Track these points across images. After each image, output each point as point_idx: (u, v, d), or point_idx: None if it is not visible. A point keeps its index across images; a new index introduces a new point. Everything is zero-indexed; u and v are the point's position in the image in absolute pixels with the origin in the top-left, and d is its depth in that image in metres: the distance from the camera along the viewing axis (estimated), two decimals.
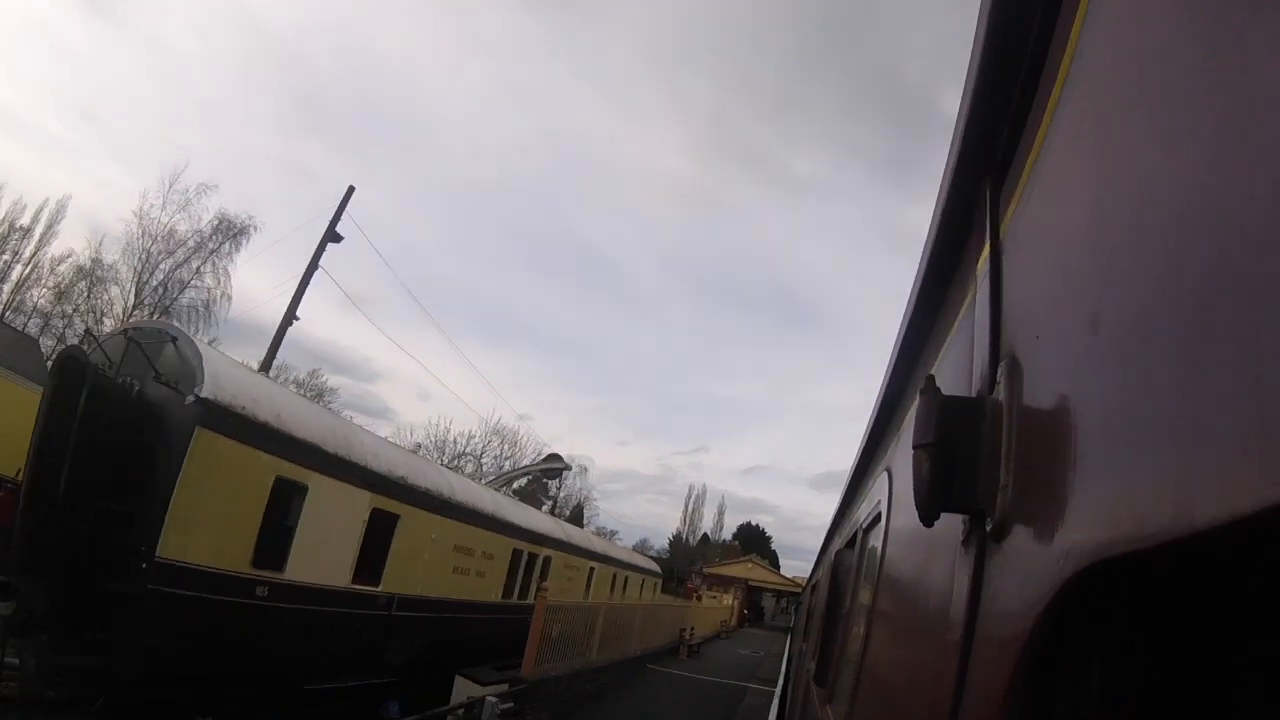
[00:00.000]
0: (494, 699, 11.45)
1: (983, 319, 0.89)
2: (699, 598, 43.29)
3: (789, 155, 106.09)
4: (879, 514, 1.91)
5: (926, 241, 1.22)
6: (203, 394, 7.91)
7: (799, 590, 33.86)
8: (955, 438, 0.77)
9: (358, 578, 10.62)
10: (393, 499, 11.31)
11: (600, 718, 13.52)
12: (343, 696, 10.57)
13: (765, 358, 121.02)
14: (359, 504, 10.62)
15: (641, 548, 70.62)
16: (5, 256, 27.55)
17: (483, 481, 19.92)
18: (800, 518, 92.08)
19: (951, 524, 0.89)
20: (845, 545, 3.57)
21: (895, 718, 1.17)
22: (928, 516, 0.83)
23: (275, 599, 8.98)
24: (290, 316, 17.54)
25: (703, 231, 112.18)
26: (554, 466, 20.26)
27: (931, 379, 0.84)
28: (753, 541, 68.02)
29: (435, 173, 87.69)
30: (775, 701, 15.62)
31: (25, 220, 28.07)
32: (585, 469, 60.22)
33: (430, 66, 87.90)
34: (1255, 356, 0.33)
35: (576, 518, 59.28)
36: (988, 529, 0.73)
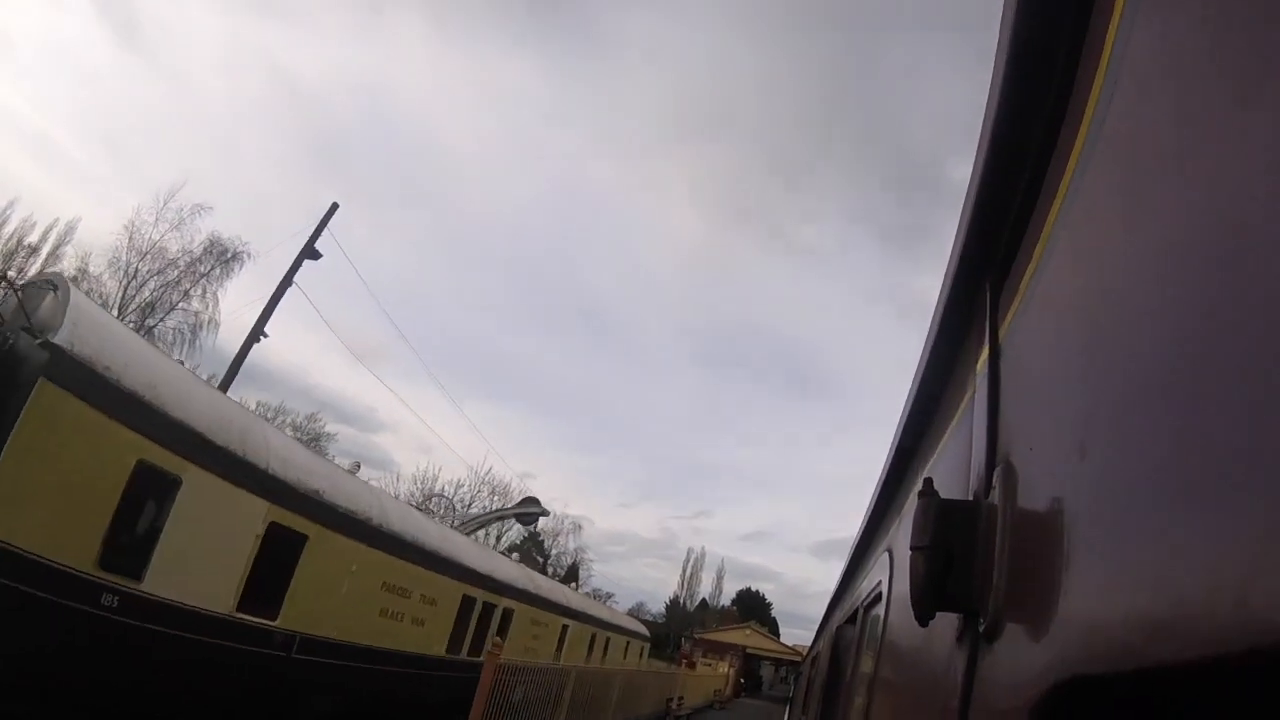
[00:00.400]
0: None
1: (980, 421, 0.91)
2: (692, 665, 40.29)
3: (797, 223, 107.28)
4: (879, 594, 1.95)
5: (928, 336, 1.21)
6: (55, 340, 6.08)
7: (799, 659, 31.13)
8: (951, 540, 0.79)
9: (246, 606, 8.42)
10: (299, 514, 9.19)
11: None
12: None
13: (769, 424, 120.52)
14: (251, 513, 8.50)
15: (637, 611, 70.05)
16: (11, 273, 26.15)
17: (453, 524, 17.73)
18: (802, 585, 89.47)
19: (948, 617, 0.89)
20: (846, 620, 3.62)
21: None
22: (922, 616, 0.84)
23: (128, 614, 6.83)
24: (258, 332, 16.10)
25: (711, 297, 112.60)
26: (529, 511, 18.13)
27: (929, 482, 0.85)
28: (752, 608, 64.87)
29: (446, 227, 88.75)
30: None
31: (34, 238, 27.40)
32: (579, 526, 59.25)
33: (444, 121, 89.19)
34: (1236, 489, 0.34)
35: (571, 578, 58.30)
36: (980, 629, 0.74)
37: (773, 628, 59.95)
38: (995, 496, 0.76)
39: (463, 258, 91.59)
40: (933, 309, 1.22)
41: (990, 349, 0.92)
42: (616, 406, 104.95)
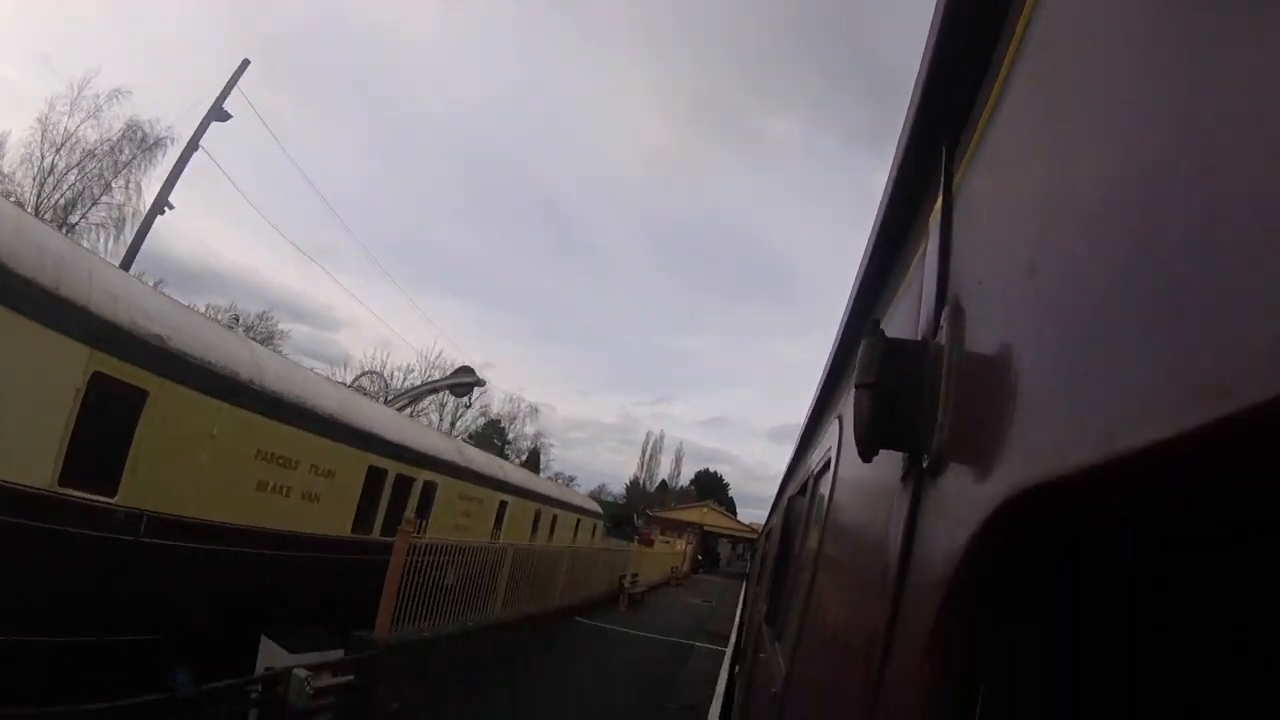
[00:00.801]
0: (304, 671, 7.36)
1: (932, 267, 0.92)
2: (650, 543, 40.15)
3: (763, 117, 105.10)
4: (829, 460, 2.00)
5: (884, 196, 1.22)
6: None
7: (755, 537, 30.85)
8: (897, 378, 0.79)
9: (71, 479, 6.41)
10: (134, 365, 6.94)
11: (485, 696, 9.52)
12: (85, 658, 6.64)
13: (730, 315, 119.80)
14: (67, 362, 6.29)
15: (598, 493, 70.05)
16: None
17: (384, 401, 15.60)
18: (759, 468, 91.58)
19: (893, 466, 0.94)
20: (798, 491, 3.70)
21: (835, 648, 1.22)
22: (866, 452, 0.86)
23: None
24: (162, 203, 14.92)
25: (675, 189, 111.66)
26: (463, 381, 16.10)
27: (876, 322, 0.86)
28: (710, 488, 65.63)
29: (404, 129, 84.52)
30: (726, 666, 11.95)
31: None
32: (536, 410, 59.19)
33: (400, 16, 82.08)
34: (1176, 305, 0.35)
35: (532, 463, 58.15)
36: (924, 466, 0.76)
37: (730, 507, 60.79)
38: (943, 336, 0.77)
39: (424, 161, 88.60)
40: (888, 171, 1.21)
41: (944, 199, 0.91)
42: (580, 301, 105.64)
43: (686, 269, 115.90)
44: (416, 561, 9.07)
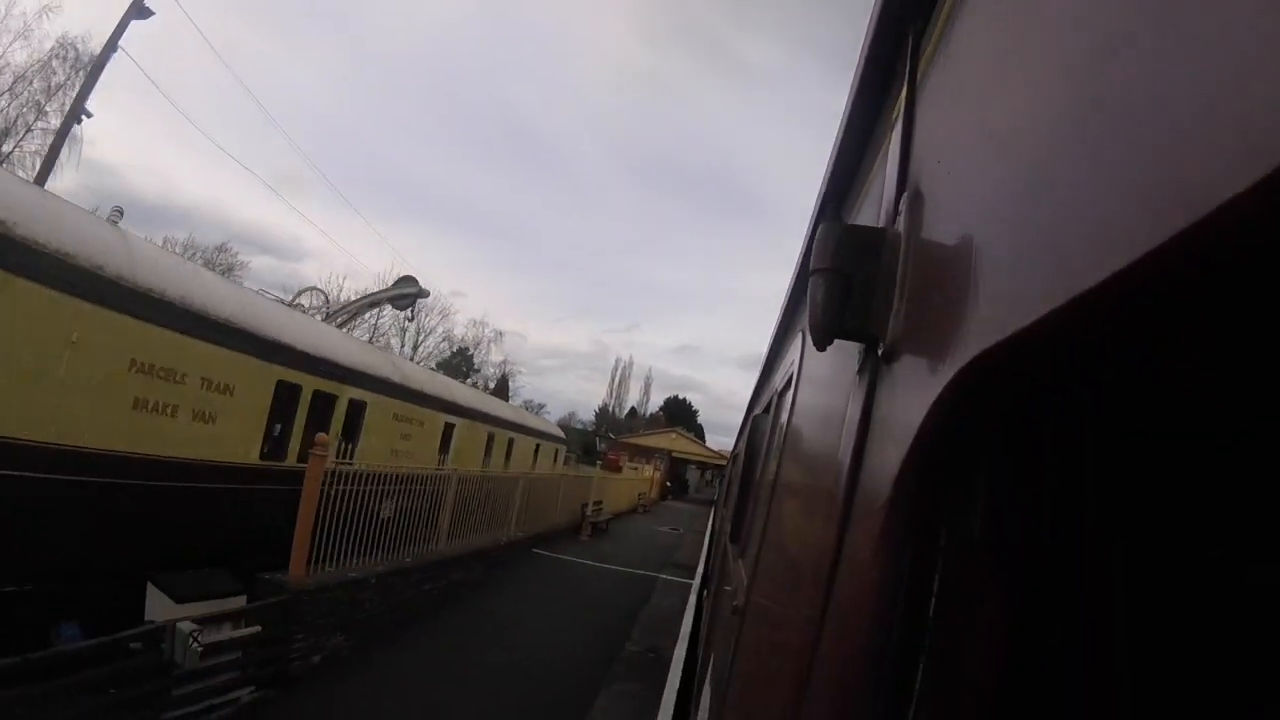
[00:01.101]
0: (191, 625, 6.02)
1: (894, 156, 0.91)
2: (618, 468, 39.45)
3: (740, 38, 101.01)
4: (791, 375, 2.02)
5: (850, 94, 1.17)
6: None
7: (724, 463, 30.14)
8: (853, 265, 0.79)
9: None
10: None
11: (424, 641, 8.32)
12: None
13: (705, 241, 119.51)
14: None
15: (569, 420, 70.02)
16: None
17: (321, 315, 13.79)
18: (728, 396, 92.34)
19: (850, 364, 0.94)
20: (762, 410, 3.85)
21: (793, 549, 1.22)
22: (821, 340, 0.84)
23: None
24: (79, 110, 13.82)
25: (650, 114, 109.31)
26: (405, 292, 14.35)
27: (836, 207, 0.93)
28: (679, 415, 65.14)
29: (366, 51, 77.10)
30: (692, 604, 10.95)
31: None
32: (500, 334, 57.88)
33: None
34: (1122, 158, 0.36)
35: (501, 390, 58.18)
36: (879, 353, 0.76)
37: (699, 434, 60.51)
38: (901, 223, 0.76)
39: (392, 83, 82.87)
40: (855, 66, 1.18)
41: (908, 88, 0.88)
42: (551, 229, 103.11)
43: (662, 197, 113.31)
44: (341, 491, 7.68)
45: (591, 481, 19.30)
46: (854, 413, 0.83)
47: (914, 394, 0.60)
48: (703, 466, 58.52)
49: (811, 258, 0.83)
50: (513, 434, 17.79)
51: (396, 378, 11.56)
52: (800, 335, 1.91)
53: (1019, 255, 0.45)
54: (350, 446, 9.34)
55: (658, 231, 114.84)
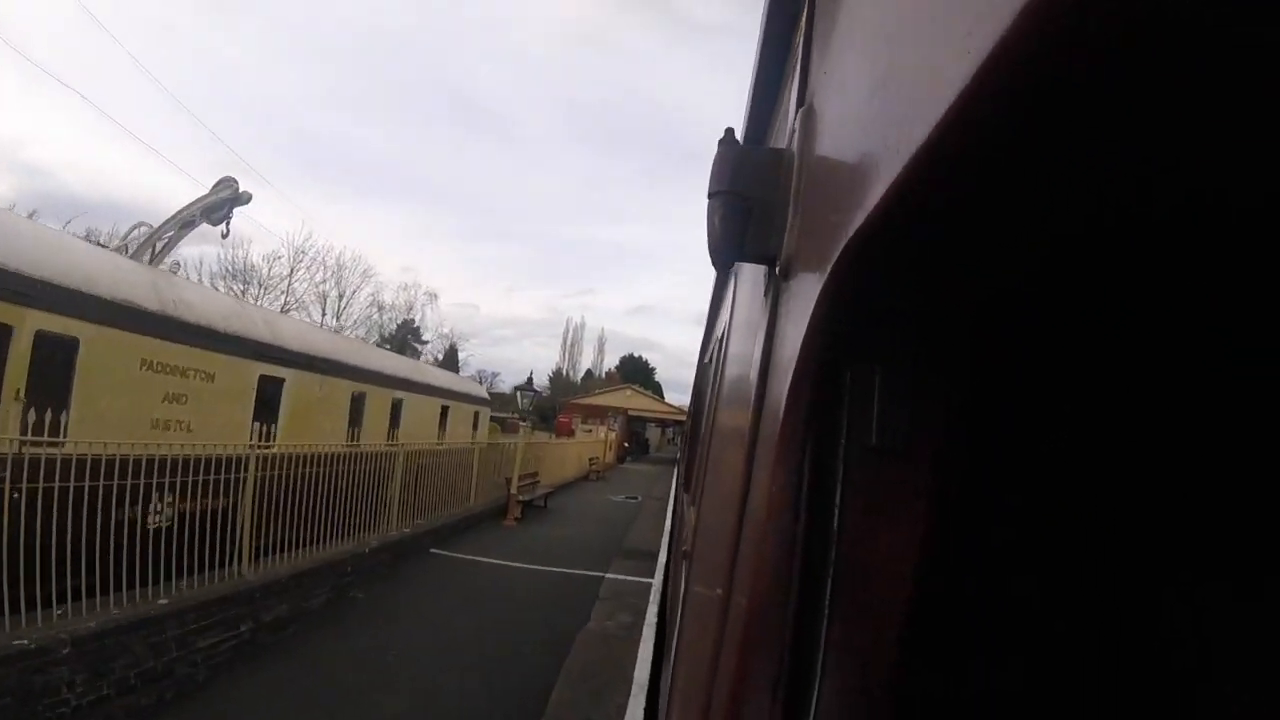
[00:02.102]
0: None
1: (796, 76, 0.90)
2: (570, 432, 35.38)
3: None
4: (726, 318, 2.06)
5: (762, 18, 1.16)
6: None
7: (685, 419, 26.42)
8: (752, 186, 0.78)
9: None
10: None
11: None
12: None
13: (652, 201, 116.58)
14: None
15: (526, 386, 65.86)
16: None
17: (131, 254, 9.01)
18: (687, 354, 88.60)
19: (758, 281, 0.97)
20: (706, 361, 3.74)
21: (721, 478, 1.22)
22: (719, 263, 0.85)
23: None
24: None
25: (594, 72, 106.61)
26: (219, 197, 9.76)
27: (730, 130, 0.85)
28: (636, 374, 61.19)
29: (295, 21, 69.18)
30: (652, 620, 7.18)
31: None
32: (435, 296, 54.45)
33: None
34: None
35: (450, 361, 55.44)
36: (777, 271, 0.76)
37: (659, 392, 56.77)
38: (796, 140, 0.75)
39: (328, 56, 75.26)
40: None
41: (809, 9, 0.86)
42: (497, 198, 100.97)
43: (611, 158, 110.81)
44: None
45: (524, 451, 15.10)
46: (761, 334, 0.83)
47: (802, 305, 0.60)
48: (663, 424, 55.02)
49: (709, 181, 0.81)
50: (401, 393, 13.41)
51: (150, 304, 7.07)
52: (731, 280, 1.90)
53: (891, 161, 0.42)
54: (54, 414, 5.02)
55: (607, 194, 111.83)
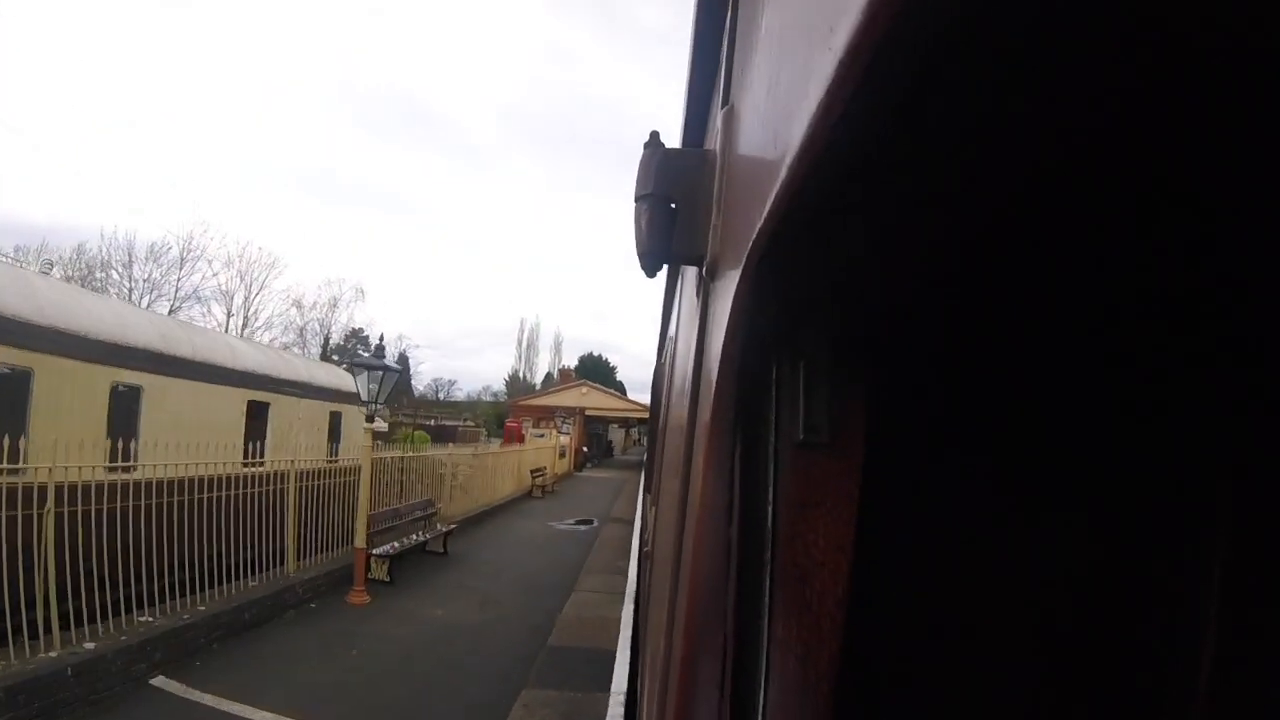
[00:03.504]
0: None
1: (721, 76, 0.88)
2: (521, 438, 29.58)
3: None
4: (674, 317, 2.08)
5: (693, 19, 1.11)
6: None
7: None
8: (677, 188, 0.78)
9: None
10: None
11: None
12: None
13: (610, 204, 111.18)
14: None
15: (482, 393, 65.86)
16: None
17: None
18: (649, 355, 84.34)
19: (690, 283, 1.02)
20: (662, 360, 3.81)
21: (668, 484, 1.25)
22: (648, 266, 0.84)
23: None
24: None
25: (551, 83, 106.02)
26: None
27: (656, 134, 0.86)
28: (596, 373, 55.46)
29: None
30: (628, 621, 6.16)
31: None
32: (362, 292, 49.22)
33: None
34: None
35: (402, 372, 50.34)
36: (704, 271, 0.76)
37: (621, 391, 51.28)
38: (718, 140, 0.74)
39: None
40: None
41: (732, 7, 0.84)
42: (455, 209, 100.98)
43: (571, 161, 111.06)
44: None
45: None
46: (696, 334, 0.83)
47: (724, 304, 0.60)
48: (626, 423, 49.56)
49: (635, 185, 0.81)
50: (136, 374, 7.58)
51: None
52: (680, 279, 1.91)
53: (783, 159, 0.42)
54: None
55: (567, 199, 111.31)
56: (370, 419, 8.04)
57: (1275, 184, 0.42)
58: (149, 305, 29.73)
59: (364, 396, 7.85)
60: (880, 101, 0.30)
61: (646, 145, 0.82)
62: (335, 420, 11.82)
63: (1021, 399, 0.72)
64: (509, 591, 8.82)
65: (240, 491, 7.31)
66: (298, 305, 41.31)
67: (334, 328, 43.00)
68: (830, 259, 0.53)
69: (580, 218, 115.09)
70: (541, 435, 30.35)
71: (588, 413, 37.75)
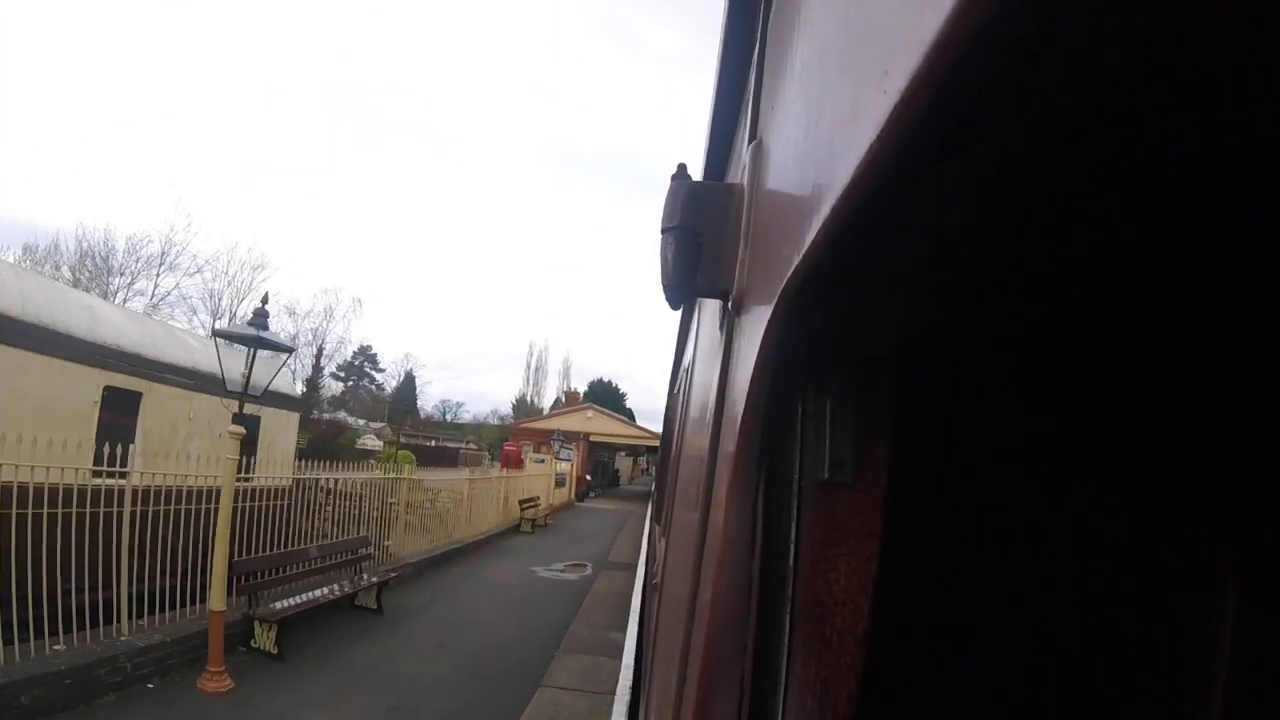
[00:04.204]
0: None
1: (748, 110, 0.89)
2: (520, 463, 26.90)
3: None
4: (692, 348, 2.06)
5: (719, 49, 1.11)
6: None
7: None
8: (704, 221, 0.77)
9: None
10: None
11: None
12: None
13: (623, 230, 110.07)
14: None
15: (490, 416, 64.76)
16: None
17: None
18: (662, 383, 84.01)
19: (713, 315, 1.02)
20: (675, 390, 3.79)
21: (682, 516, 1.24)
22: (673, 298, 0.85)
23: None
24: None
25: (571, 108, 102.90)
26: None
27: (683, 166, 0.85)
28: (606, 399, 52.80)
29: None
30: (630, 661, 5.49)
31: None
32: (360, 301, 48.34)
33: None
34: None
35: (408, 388, 53.67)
36: (729, 305, 0.76)
37: (630, 418, 48.46)
38: (746, 174, 0.75)
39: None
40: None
41: (761, 37, 0.85)
42: (469, 223, 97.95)
43: (584, 186, 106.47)
44: None
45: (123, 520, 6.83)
46: (718, 368, 0.83)
47: (752, 340, 0.60)
48: (635, 452, 46.86)
49: (662, 218, 0.81)
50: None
51: None
52: (696, 310, 1.90)
53: (822, 198, 0.42)
54: None
55: (587, 222, 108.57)
56: (239, 416, 5.39)
57: (1274, 184, 0.43)
58: (124, 302, 27.69)
59: (227, 378, 5.27)
60: (929, 146, 0.30)
61: (674, 178, 0.83)
62: (252, 426, 9.25)
63: (1047, 431, 0.73)
64: (447, 679, 6.06)
65: (64, 511, 4.77)
66: (290, 312, 39.32)
67: (328, 339, 40.86)
68: (860, 295, 0.54)
69: (597, 244, 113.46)
70: (542, 461, 27.68)
71: (593, 438, 35.00)
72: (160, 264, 31.92)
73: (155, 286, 32.34)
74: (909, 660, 0.71)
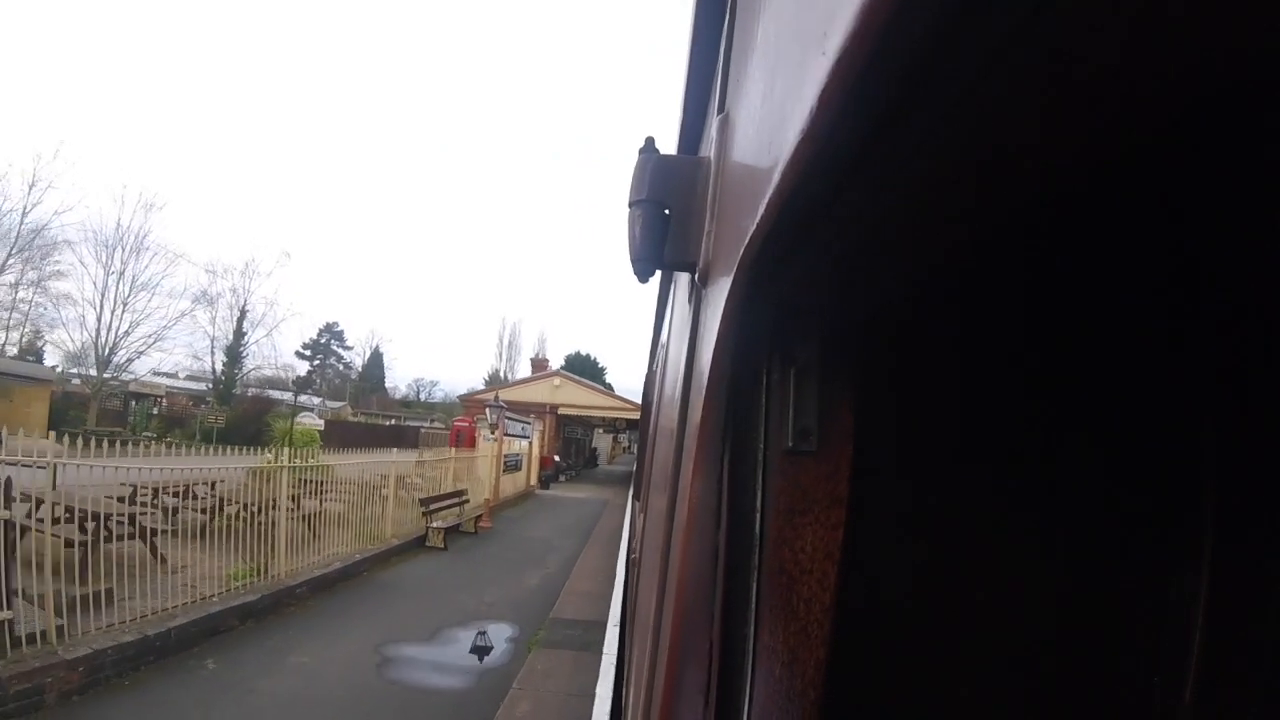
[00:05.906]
0: None
1: (717, 85, 0.89)
2: (471, 443, 20.70)
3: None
4: (669, 324, 2.03)
5: (691, 25, 1.13)
6: None
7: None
8: (671, 194, 0.77)
9: None
10: None
11: None
12: None
13: (602, 209, 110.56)
14: None
15: (468, 396, 58.43)
16: None
17: None
18: (642, 361, 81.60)
19: (681, 290, 0.99)
20: (653, 367, 3.78)
21: (656, 491, 1.21)
22: (641, 271, 0.83)
23: None
24: None
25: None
26: None
27: (651, 140, 0.85)
28: (583, 371, 46.83)
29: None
30: (614, 636, 5.73)
31: None
32: (288, 255, 46.33)
33: None
34: None
35: (375, 366, 53.25)
36: (696, 278, 0.76)
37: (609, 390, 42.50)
38: (713, 148, 0.74)
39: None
40: None
41: (729, 19, 0.85)
42: (444, 200, 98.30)
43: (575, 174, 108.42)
44: None
45: None
46: (688, 341, 0.83)
47: (716, 311, 0.60)
48: (614, 427, 41.05)
49: (629, 191, 0.80)
50: None
51: None
52: (672, 286, 1.91)
53: (775, 166, 0.42)
54: None
55: (564, 202, 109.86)
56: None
57: (1274, 184, 0.41)
58: None
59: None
60: (873, 105, 0.30)
61: (641, 151, 0.81)
62: None
63: (1010, 400, 0.72)
64: None
65: None
66: (210, 271, 32.91)
67: (251, 299, 34.27)
68: (821, 264, 0.54)
69: (578, 223, 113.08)
70: (490, 438, 21.69)
71: (562, 411, 28.97)
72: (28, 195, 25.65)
73: (18, 234, 25.98)
74: (878, 629, 0.70)
